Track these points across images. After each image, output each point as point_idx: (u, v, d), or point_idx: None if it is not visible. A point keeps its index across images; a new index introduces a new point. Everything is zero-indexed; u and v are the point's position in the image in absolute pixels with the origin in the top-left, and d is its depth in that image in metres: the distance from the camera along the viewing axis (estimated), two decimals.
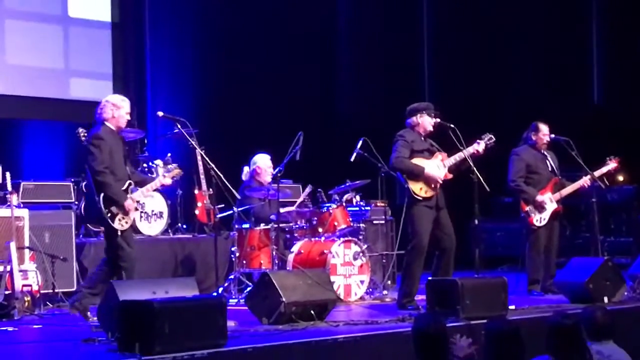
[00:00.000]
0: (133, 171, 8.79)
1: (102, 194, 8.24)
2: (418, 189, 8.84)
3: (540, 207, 10.13)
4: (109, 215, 8.25)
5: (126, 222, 8.34)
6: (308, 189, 10.71)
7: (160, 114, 9.16)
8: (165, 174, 8.91)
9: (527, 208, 10.14)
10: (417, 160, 8.92)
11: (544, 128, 10.31)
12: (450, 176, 8.98)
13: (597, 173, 10.27)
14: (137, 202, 8.54)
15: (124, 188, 8.39)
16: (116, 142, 8.44)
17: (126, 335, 6.41)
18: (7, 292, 8.73)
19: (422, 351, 5.39)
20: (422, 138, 9.05)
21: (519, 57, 14.98)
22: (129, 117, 8.56)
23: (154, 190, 8.93)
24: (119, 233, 8.29)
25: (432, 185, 8.88)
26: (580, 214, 13.45)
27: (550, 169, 10.30)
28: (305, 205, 10.72)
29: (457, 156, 8.98)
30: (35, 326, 8.34)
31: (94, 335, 7.14)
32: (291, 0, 14.14)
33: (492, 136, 9.19)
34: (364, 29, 15.11)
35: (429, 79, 15.64)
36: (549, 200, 10.16)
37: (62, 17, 12.53)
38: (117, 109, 8.46)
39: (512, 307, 8.50)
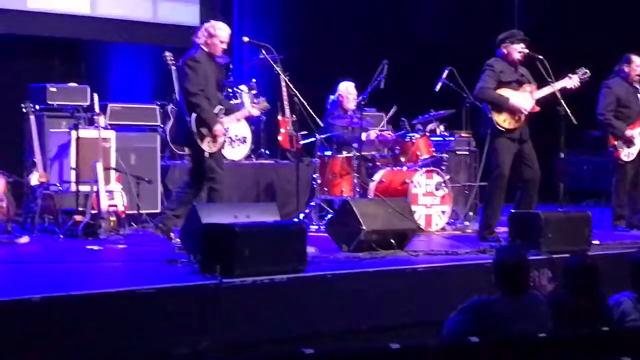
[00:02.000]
0: (222, 98, 8.82)
1: (193, 115, 8.30)
2: (502, 120, 8.71)
3: (629, 142, 9.94)
4: (198, 136, 8.30)
5: (214, 145, 8.39)
6: (393, 109, 10.60)
7: (246, 39, 9.17)
8: (253, 105, 8.94)
9: (615, 142, 9.96)
10: (503, 91, 8.76)
11: (636, 59, 10.06)
12: (537, 109, 8.81)
13: None
14: (225, 128, 8.59)
15: (215, 112, 8.44)
16: (211, 67, 8.48)
17: (207, 258, 6.49)
18: (93, 212, 8.92)
19: (503, 283, 5.39)
20: (513, 68, 8.87)
21: None
22: (224, 46, 8.56)
23: (234, 120, 8.95)
24: (207, 155, 8.35)
25: (517, 117, 8.73)
26: None
27: None
28: (389, 133, 10.66)
29: (547, 89, 8.79)
30: (120, 246, 8.52)
31: (177, 257, 7.24)
32: None
33: (587, 71, 8.98)
34: None
35: (519, 6, 15.32)
36: (639, 135, 9.96)
37: None
38: (211, 37, 8.49)
39: (596, 242, 8.40)
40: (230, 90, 11.29)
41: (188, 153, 10.54)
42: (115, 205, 9.17)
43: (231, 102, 9.05)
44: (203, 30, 8.53)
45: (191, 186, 8.59)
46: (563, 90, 8.83)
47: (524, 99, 8.76)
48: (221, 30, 8.52)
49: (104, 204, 8.94)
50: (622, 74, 10.08)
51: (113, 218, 9.05)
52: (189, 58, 8.44)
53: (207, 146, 8.37)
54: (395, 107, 10.58)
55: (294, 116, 11.17)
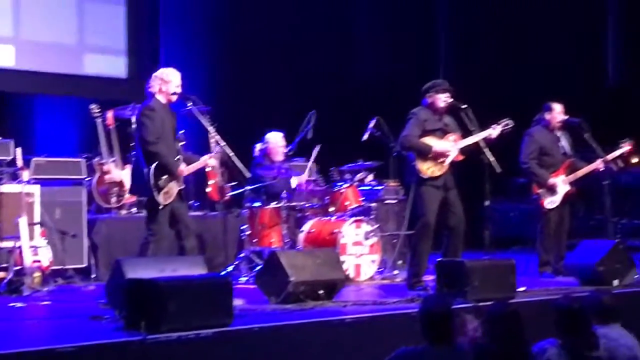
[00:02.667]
0: (180, 148, 8.77)
1: (154, 164, 8.24)
2: (426, 168, 8.79)
3: (552, 190, 10.07)
4: (155, 188, 8.24)
5: (168, 197, 8.32)
6: (316, 149, 10.54)
7: None
8: (211, 155, 8.90)
9: (538, 190, 10.08)
10: (428, 140, 8.85)
11: (557, 107, 10.23)
12: (461, 158, 8.91)
13: (610, 156, 10.20)
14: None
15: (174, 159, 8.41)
16: (167, 116, 8.44)
17: (132, 314, 6.41)
18: (17, 268, 8.77)
19: (428, 332, 5.41)
20: (437, 117, 8.97)
21: (535, 38, 14.85)
22: (179, 90, 8.52)
23: (193, 169, 8.84)
24: (160, 207, 8.30)
25: (441, 165, 8.82)
26: (594, 195, 13.36)
27: (563, 151, 10.22)
28: (317, 184, 10.70)
29: (470, 139, 8.90)
30: (44, 302, 8.37)
31: (102, 313, 7.14)
32: None
33: (510, 122, 9.12)
34: (380, 4, 15.02)
35: (446, 57, 15.55)
36: (562, 183, 10.10)
37: None
38: (165, 83, 8.47)
39: (522, 288, 8.47)
40: None
41: (115, 205, 10.54)
42: (40, 261, 9.03)
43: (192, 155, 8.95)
44: (155, 79, 8.50)
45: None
46: (486, 140, 8.94)
47: (448, 147, 8.86)
48: (173, 76, 8.52)
49: (28, 259, 8.81)
50: (543, 122, 10.24)
51: (37, 274, 8.91)
52: (144, 108, 8.41)
53: (162, 198, 8.32)
54: (319, 146, 10.53)
55: (222, 167, 11.14)
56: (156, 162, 8.24)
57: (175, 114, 8.61)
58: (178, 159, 8.45)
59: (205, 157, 8.82)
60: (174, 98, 8.52)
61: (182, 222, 8.46)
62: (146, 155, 8.29)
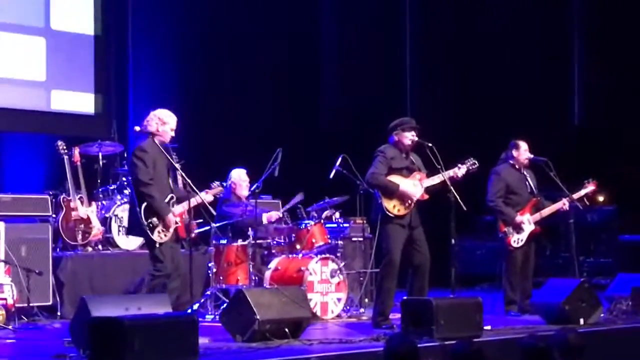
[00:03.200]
0: (174, 187, 8.77)
1: (143, 205, 8.28)
2: (391, 206, 8.82)
3: (518, 228, 10.12)
4: (149, 226, 8.24)
5: (165, 235, 8.35)
6: (300, 197, 10.58)
7: (137, 128, 9.11)
8: (207, 190, 8.90)
9: (505, 229, 10.13)
10: (394, 178, 8.89)
11: (523, 145, 10.30)
12: (426, 197, 8.96)
13: (575, 195, 10.27)
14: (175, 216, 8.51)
15: (166, 201, 8.40)
16: (160, 156, 8.46)
17: (97, 352, 6.40)
18: None
19: None
20: (404, 155, 9.01)
21: (502, 77, 14.99)
22: (173, 134, 8.57)
23: (187, 208, 8.75)
24: (157, 245, 8.30)
25: (406, 204, 8.86)
26: (560, 233, 13.46)
27: (529, 189, 10.29)
28: (284, 222, 10.71)
29: (436, 178, 8.95)
30: (8, 340, 8.31)
31: (66, 351, 7.10)
32: (273, 15, 14.15)
33: (475, 162, 9.20)
34: (346, 45, 15.14)
35: (411, 95, 15.66)
36: (527, 222, 10.15)
37: (44, 29, 12.50)
38: (163, 124, 8.51)
39: (487, 327, 8.48)
40: (124, 179, 11.22)
41: (81, 242, 10.49)
42: (5, 299, 8.95)
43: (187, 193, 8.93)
44: (154, 118, 8.54)
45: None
46: (452, 179, 8.99)
47: (414, 186, 8.90)
48: (171, 118, 8.59)
49: None
50: (509, 160, 10.31)
51: (2, 312, 8.83)
52: (137, 148, 8.44)
53: (157, 236, 8.31)
54: (302, 194, 10.56)
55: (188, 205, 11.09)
56: (145, 203, 8.26)
57: (170, 151, 8.62)
58: (171, 197, 8.46)
59: (202, 194, 8.80)
60: (169, 139, 8.56)
61: (172, 263, 8.47)
62: (138, 195, 8.35)
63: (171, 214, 8.39)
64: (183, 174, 9.47)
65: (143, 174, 8.31)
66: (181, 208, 8.58)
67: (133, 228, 8.69)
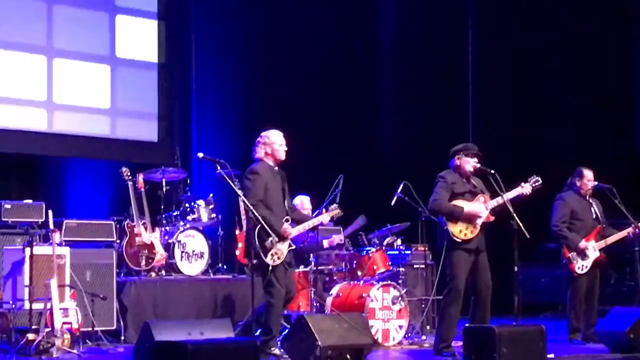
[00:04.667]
0: (293, 209, 8.86)
1: (257, 227, 8.35)
2: (458, 231, 8.74)
3: (583, 254, 10.02)
4: (262, 249, 8.32)
5: (278, 258, 8.40)
6: (361, 220, 10.59)
7: (201, 155, 9.20)
8: (325, 213, 8.95)
9: (569, 254, 10.03)
10: (457, 202, 8.82)
11: (588, 174, 10.22)
12: (492, 219, 8.86)
13: None
14: (291, 239, 8.56)
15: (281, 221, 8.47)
16: (274, 177, 8.58)
17: None
18: (47, 330, 8.80)
19: None
20: (464, 180, 8.96)
21: (563, 102, 14.90)
22: (285, 148, 8.68)
23: (302, 230, 8.87)
24: (270, 268, 8.37)
25: (473, 227, 8.78)
26: (626, 262, 13.29)
27: (594, 216, 10.19)
28: (346, 248, 10.71)
29: (500, 198, 8.84)
30: None
31: None
32: (334, 43, 14.22)
33: (539, 179, 9.10)
34: (407, 70, 15.14)
35: (473, 121, 15.60)
36: (592, 249, 10.05)
37: (109, 56, 12.72)
38: (269, 145, 8.64)
39: (551, 355, 8.40)
40: (187, 205, 11.34)
41: (145, 267, 10.58)
42: (70, 323, 9.05)
43: (305, 215, 8.99)
44: (258, 144, 8.68)
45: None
46: (517, 198, 8.90)
47: (479, 207, 8.81)
48: (275, 136, 8.69)
49: (58, 321, 8.84)
50: (574, 187, 10.23)
51: (67, 336, 8.93)
52: (248, 170, 8.58)
53: (270, 260, 8.38)
54: (364, 217, 10.57)
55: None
56: (259, 225, 8.32)
57: (284, 175, 8.69)
58: (286, 219, 8.51)
59: (321, 216, 8.86)
60: (283, 155, 8.66)
61: (285, 285, 8.52)
62: (251, 216, 8.40)
63: (285, 227, 8.40)
64: (245, 200, 9.54)
65: (251, 196, 8.38)
66: (296, 231, 8.63)
67: (247, 251, 8.73)
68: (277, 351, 8.30)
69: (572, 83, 14.96)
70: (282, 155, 8.65)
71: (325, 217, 8.93)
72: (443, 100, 15.21)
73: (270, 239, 8.35)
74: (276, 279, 8.39)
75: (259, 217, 8.29)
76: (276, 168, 8.66)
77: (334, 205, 9.12)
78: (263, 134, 8.75)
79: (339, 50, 14.28)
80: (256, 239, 8.33)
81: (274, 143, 8.63)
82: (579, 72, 14.95)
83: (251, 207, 8.34)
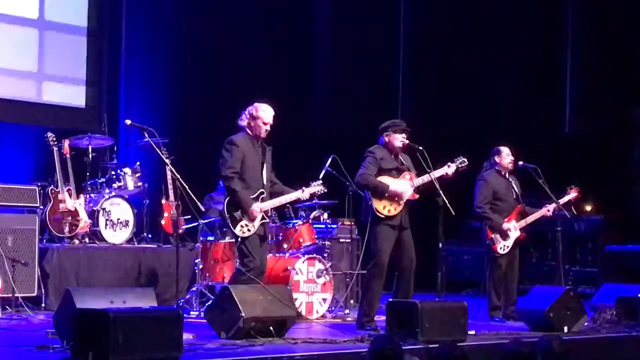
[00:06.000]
0: (276, 182, 8.71)
1: (227, 199, 8.29)
2: (382, 207, 8.80)
3: (504, 235, 10.12)
4: (230, 220, 8.24)
5: (248, 230, 8.32)
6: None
7: (128, 122, 9.08)
8: (304, 188, 8.77)
9: (492, 235, 10.13)
10: (383, 178, 8.87)
11: (504, 149, 10.29)
12: (416, 196, 8.94)
13: (560, 201, 10.30)
14: (265, 212, 8.45)
15: (253, 196, 8.36)
16: (253, 150, 8.45)
17: (80, 344, 6.37)
18: None
19: None
20: (393, 156, 9.00)
21: (494, 82, 15.03)
22: (268, 128, 8.53)
23: (284, 204, 8.84)
24: (240, 239, 8.30)
25: (397, 204, 8.84)
26: (547, 241, 13.50)
27: (515, 196, 10.29)
28: (272, 221, 10.68)
29: (426, 177, 8.92)
30: None
31: (49, 342, 7.08)
32: (268, 16, 14.16)
33: (465, 160, 9.18)
34: (339, 46, 15.13)
35: (403, 98, 15.67)
36: (514, 228, 10.16)
37: (38, 20, 12.49)
38: (254, 119, 8.50)
39: (472, 332, 8.49)
40: (114, 172, 11.22)
41: (68, 234, 10.45)
42: None
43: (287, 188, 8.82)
44: (246, 113, 8.54)
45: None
46: (442, 178, 8.98)
47: (404, 186, 8.88)
48: (264, 112, 8.53)
49: None
50: (495, 166, 10.31)
51: None
52: (226, 141, 8.46)
53: (239, 230, 8.30)
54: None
55: (177, 200, 11.09)
56: (228, 197, 8.28)
57: (266, 148, 8.57)
58: (260, 192, 8.41)
59: (298, 192, 8.73)
60: (263, 133, 8.52)
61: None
62: (223, 187, 8.38)
63: (255, 206, 8.31)
64: (172, 169, 9.45)
65: (225, 167, 8.32)
66: (270, 204, 8.54)
67: (220, 219, 8.68)
68: None
69: (504, 64, 15.07)
70: (262, 134, 8.52)
71: (304, 194, 8.76)
72: (374, 73, 15.24)
73: (238, 211, 8.29)
74: (248, 249, 8.35)
75: (231, 189, 8.27)
76: (258, 140, 8.55)
77: (317, 182, 8.98)
78: (256, 104, 8.63)
79: (273, 18, 14.21)
80: (225, 210, 8.30)
81: (260, 119, 8.50)
82: (509, 50, 15.07)
83: (177, 176, 8.27)
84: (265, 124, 8.51)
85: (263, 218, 8.43)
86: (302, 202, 9.46)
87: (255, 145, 8.50)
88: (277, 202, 8.69)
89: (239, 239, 8.37)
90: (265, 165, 8.54)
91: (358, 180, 8.93)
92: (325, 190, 9.02)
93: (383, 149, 9.00)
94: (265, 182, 8.53)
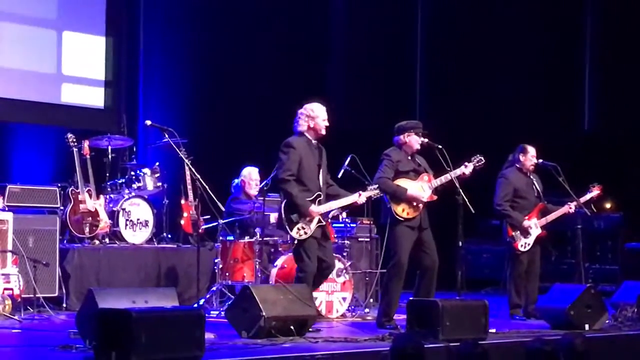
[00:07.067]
0: (331, 183, 8.73)
1: (284, 201, 8.33)
2: (400, 210, 8.81)
3: (525, 233, 10.11)
4: (287, 222, 8.28)
5: (305, 233, 8.35)
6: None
7: (148, 122, 9.16)
8: (361, 192, 8.68)
9: (513, 233, 10.11)
10: (402, 181, 8.87)
11: (531, 150, 10.28)
12: (435, 198, 8.94)
13: (581, 200, 10.28)
14: (322, 214, 8.45)
15: (310, 199, 8.38)
16: (311, 152, 8.45)
17: (103, 344, 6.39)
18: None
19: None
20: (409, 157, 8.98)
21: (512, 81, 15.00)
22: (326, 123, 8.52)
23: (334, 207, 8.76)
24: (296, 242, 8.36)
25: (415, 207, 8.84)
26: (567, 239, 13.48)
27: (536, 193, 10.27)
28: None
29: (444, 178, 8.93)
30: (14, 330, 8.34)
31: (72, 342, 7.12)
32: (284, 15, 14.17)
33: (482, 158, 9.16)
34: (356, 45, 15.13)
35: (421, 97, 15.67)
36: (535, 226, 10.14)
37: (56, 21, 12.54)
38: (313, 119, 8.49)
39: (492, 330, 8.49)
40: (133, 173, 11.27)
41: (88, 235, 10.50)
42: (11, 289, 8.99)
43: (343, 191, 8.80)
44: (302, 116, 8.51)
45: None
46: (460, 177, 8.98)
47: (422, 188, 8.88)
48: (319, 109, 8.55)
49: None
50: (517, 164, 10.30)
51: (8, 301, 8.86)
52: (284, 143, 8.44)
53: (296, 233, 8.33)
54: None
55: (196, 200, 11.14)
56: (285, 200, 8.32)
57: (322, 150, 8.57)
58: (317, 195, 8.42)
59: (354, 195, 8.66)
60: (323, 131, 8.51)
61: (324, 261, 8.50)
62: (281, 190, 8.40)
63: (312, 209, 8.32)
64: (192, 169, 9.51)
65: (283, 170, 8.32)
66: (327, 207, 8.52)
67: (278, 221, 8.72)
68: None
69: (523, 63, 15.05)
70: (323, 130, 8.52)
71: (361, 198, 8.65)
72: (393, 74, 15.24)
73: (295, 214, 8.32)
74: (305, 252, 8.37)
75: (288, 192, 8.30)
76: (314, 142, 8.54)
77: (374, 186, 8.83)
78: (307, 106, 8.59)
79: (290, 24, 14.21)
80: (283, 212, 8.33)
81: (317, 117, 8.49)
82: (531, 49, 15.04)
83: (197, 176, 8.29)
84: (324, 120, 8.52)
85: (320, 221, 8.43)
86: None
87: (312, 147, 8.50)
88: (335, 205, 8.66)
89: (296, 242, 8.39)
90: (321, 167, 8.53)
91: (376, 185, 8.90)
92: (380, 194, 8.87)
93: (399, 150, 8.99)
94: (321, 184, 8.53)
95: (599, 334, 8.96)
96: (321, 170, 8.53)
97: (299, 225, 8.35)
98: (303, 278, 8.43)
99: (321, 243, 8.49)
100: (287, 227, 8.35)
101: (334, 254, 8.93)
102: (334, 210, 10.64)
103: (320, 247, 8.48)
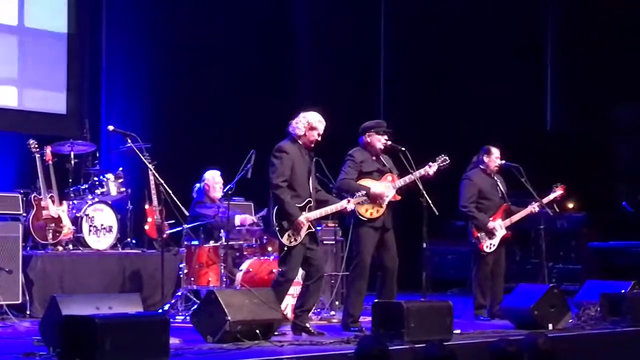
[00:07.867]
0: (319, 189, 8.70)
1: (275, 207, 8.27)
2: (364, 210, 8.84)
3: (490, 234, 10.16)
4: (278, 229, 8.23)
5: (295, 240, 8.32)
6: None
7: (111, 128, 9.10)
8: (350, 198, 8.65)
9: (478, 234, 10.16)
10: (365, 181, 8.89)
11: (495, 151, 10.34)
12: (398, 198, 8.97)
13: (544, 200, 10.35)
14: (311, 222, 8.45)
15: (300, 205, 8.35)
16: (302, 158, 8.42)
17: (67, 351, 6.38)
18: None
19: None
20: (374, 158, 9.01)
21: (475, 81, 15.07)
22: (319, 139, 8.48)
23: (324, 214, 8.73)
24: (285, 248, 8.32)
25: (379, 206, 8.86)
26: (530, 240, 13.54)
27: (500, 195, 10.34)
28: (257, 225, 10.70)
29: (407, 178, 8.96)
30: None
31: (36, 350, 7.07)
32: (248, 17, 14.16)
33: (447, 158, 9.20)
34: (321, 47, 15.15)
35: (385, 97, 15.71)
36: (499, 227, 10.20)
37: (17, 27, 12.45)
38: (311, 130, 8.45)
39: (457, 331, 8.52)
40: (96, 178, 11.21)
41: (52, 241, 10.42)
42: None
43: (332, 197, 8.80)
44: (303, 121, 8.47)
45: (304, 277, 8.58)
46: (424, 178, 9.00)
47: (385, 188, 8.90)
48: (321, 123, 8.51)
49: None
50: (481, 165, 10.35)
51: None
52: (276, 148, 8.40)
53: (287, 240, 8.30)
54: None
55: (161, 205, 11.09)
56: (277, 207, 8.27)
57: (312, 157, 8.55)
58: (308, 201, 8.40)
59: (343, 202, 8.63)
60: (312, 145, 8.49)
61: (313, 265, 8.48)
62: (272, 195, 8.33)
63: (301, 218, 8.30)
64: (156, 174, 9.47)
65: (276, 176, 8.29)
66: (317, 214, 8.52)
67: (266, 227, 8.71)
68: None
69: (486, 60, 15.12)
70: (312, 144, 8.50)
71: (350, 204, 8.64)
72: (357, 75, 15.27)
73: (285, 221, 8.30)
74: (291, 259, 8.37)
75: (280, 199, 8.26)
76: (305, 148, 8.53)
77: (360, 192, 8.77)
78: (310, 115, 8.55)
79: (253, 19, 14.21)
80: (274, 219, 8.30)
81: (316, 130, 8.47)
82: (494, 49, 15.11)
83: (161, 181, 8.25)
84: (319, 135, 8.51)
85: (309, 228, 8.43)
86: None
87: (303, 153, 8.50)
88: (324, 211, 8.65)
89: (285, 247, 8.37)
90: (310, 173, 8.54)
91: (339, 186, 8.94)
92: (369, 200, 8.84)
93: (363, 151, 9.01)
94: (311, 190, 8.53)
95: (562, 333, 9.04)
96: (311, 176, 8.54)
97: (290, 232, 8.35)
98: (282, 283, 8.45)
99: (310, 247, 8.50)
100: (277, 233, 8.33)
101: (323, 257, 9.00)
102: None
103: (309, 250, 8.48)
